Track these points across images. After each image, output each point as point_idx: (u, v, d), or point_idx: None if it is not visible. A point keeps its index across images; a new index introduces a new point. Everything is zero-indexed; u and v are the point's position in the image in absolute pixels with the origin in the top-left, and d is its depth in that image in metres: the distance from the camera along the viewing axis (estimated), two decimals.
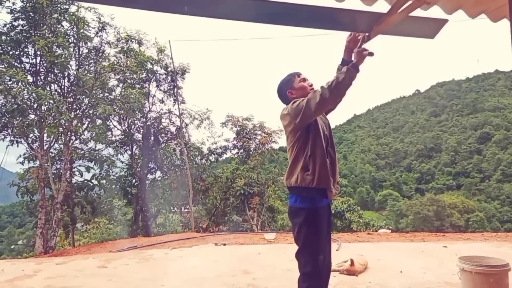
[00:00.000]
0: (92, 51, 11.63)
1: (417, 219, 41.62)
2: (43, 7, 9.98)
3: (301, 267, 2.24)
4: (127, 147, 14.60)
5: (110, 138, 13.65)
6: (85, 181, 13.62)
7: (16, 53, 10.35)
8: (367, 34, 2.47)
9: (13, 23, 10.27)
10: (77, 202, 13.23)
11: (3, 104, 9.69)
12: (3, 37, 10.06)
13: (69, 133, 10.99)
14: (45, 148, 10.71)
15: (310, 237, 2.20)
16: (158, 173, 15.65)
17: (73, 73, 11.01)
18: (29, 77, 10.25)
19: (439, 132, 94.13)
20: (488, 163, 76.37)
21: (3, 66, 9.65)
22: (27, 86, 9.66)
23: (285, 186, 2.54)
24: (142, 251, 6.81)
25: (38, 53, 10.36)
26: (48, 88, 10.74)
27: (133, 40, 13.22)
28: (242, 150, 17.26)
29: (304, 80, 2.44)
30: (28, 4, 10.09)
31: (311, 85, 2.42)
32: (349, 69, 2.13)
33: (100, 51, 11.82)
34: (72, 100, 11.03)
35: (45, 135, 10.82)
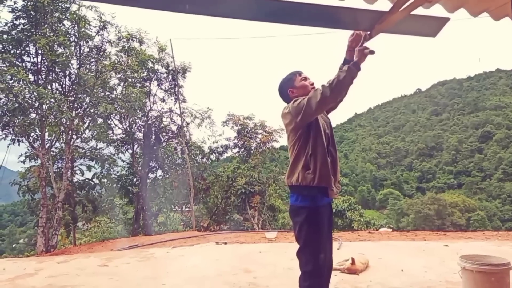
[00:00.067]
0: (93, 50, 11.64)
1: (418, 218, 41.58)
2: (44, 6, 9.98)
3: (302, 266, 2.24)
4: (128, 146, 14.62)
5: (111, 137, 13.66)
6: (86, 180, 13.66)
7: (18, 52, 10.35)
8: (368, 32, 2.47)
9: (14, 21, 10.28)
10: (78, 201, 13.26)
11: (5, 103, 9.70)
12: (5, 36, 10.07)
13: (70, 132, 11.00)
14: (46, 147, 10.72)
15: (311, 236, 2.20)
16: (159, 172, 15.69)
17: (74, 72, 11.01)
18: (30, 76, 10.26)
19: (440, 131, 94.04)
20: (489, 162, 76.30)
21: (4, 65, 9.67)
22: (29, 85, 9.67)
23: (286, 185, 2.54)
24: (143, 250, 6.82)
25: (39, 52, 10.36)
26: (49, 87, 10.74)
27: (134, 38, 13.22)
28: (243, 149, 17.27)
29: (305, 78, 2.43)
30: (29, 3, 10.09)
31: (312, 84, 2.42)
32: (350, 68, 2.13)
33: (101, 50, 11.82)
34: (73, 99, 11.04)
35: (47, 134, 10.84)
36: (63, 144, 11.72)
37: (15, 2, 10.10)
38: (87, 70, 11.22)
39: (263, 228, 15.18)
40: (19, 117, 9.79)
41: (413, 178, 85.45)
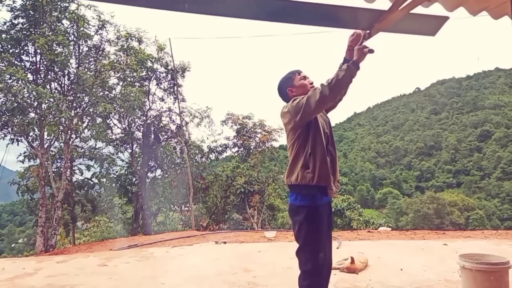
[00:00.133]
0: (92, 49, 11.63)
1: (417, 217, 41.64)
2: (43, 5, 9.97)
3: (301, 265, 2.24)
4: (127, 146, 14.61)
5: (110, 137, 13.67)
6: (86, 180, 13.66)
7: (16, 51, 10.35)
8: (368, 31, 2.46)
9: (13, 21, 10.28)
10: (77, 201, 13.25)
11: (3, 103, 9.69)
12: (3, 35, 10.06)
13: (69, 131, 10.99)
14: (45, 146, 10.71)
15: (311, 235, 2.20)
16: (158, 172, 15.70)
17: (73, 71, 11.00)
18: (29, 75, 10.26)
19: (439, 130, 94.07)
20: (488, 161, 76.37)
21: (3, 65, 9.66)
22: (27, 84, 9.66)
23: (285, 184, 2.54)
24: (142, 249, 6.81)
25: (38, 51, 10.35)
26: (48, 87, 10.73)
27: (133, 38, 13.21)
28: (242, 148, 17.28)
29: (305, 78, 2.43)
30: (28, 2, 10.08)
31: (311, 83, 2.41)
32: (349, 67, 2.12)
33: (100, 49, 11.81)
34: (72, 98, 11.03)
35: (46, 133, 10.83)
36: (62, 144, 11.71)
37: (14, 2, 10.12)
38: (86, 70, 11.22)
39: (263, 227, 15.19)
40: (18, 116, 9.77)
41: (412, 177, 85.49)
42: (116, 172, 14.88)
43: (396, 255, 5.22)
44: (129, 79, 12.90)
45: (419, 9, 2.45)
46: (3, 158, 11.18)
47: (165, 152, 15.01)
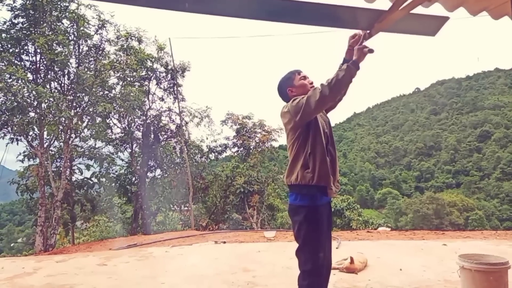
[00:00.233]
0: (92, 49, 11.62)
1: (416, 217, 41.71)
2: (43, 5, 9.97)
3: (301, 265, 2.23)
4: (127, 145, 14.60)
5: (110, 136, 13.66)
6: (85, 179, 13.64)
7: (16, 50, 10.34)
8: (368, 31, 2.46)
9: (13, 20, 10.26)
10: (77, 200, 13.24)
11: (3, 102, 9.69)
12: (3, 35, 10.05)
13: (69, 131, 10.98)
14: (45, 146, 10.70)
15: (310, 235, 2.20)
16: (158, 171, 15.70)
17: (73, 71, 11.00)
18: (29, 74, 10.25)
19: (439, 130, 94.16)
20: (488, 161, 76.45)
21: (3, 64, 9.64)
22: (27, 83, 9.65)
23: (285, 184, 2.54)
24: (142, 249, 6.81)
25: (38, 50, 10.35)
26: (48, 86, 10.73)
27: (133, 37, 13.21)
28: (242, 148, 17.29)
29: (305, 77, 2.43)
30: (28, 2, 10.07)
31: (311, 83, 2.41)
32: (349, 67, 2.12)
33: (100, 49, 11.81)
34: (72, 98, 11.02)
35: (45, 133, 10.82)
36: (61, 143, 11.70)
37: (14, 1, 10.10)
38: (86, 69, 11.21)
39: (262, 227, 15.20)
40: (17, 116, 9.77)
41: (411, 177, 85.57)
42: (116, 171, 14.89)
43: (396, 255, 5.22)
44: (129, 79, 12.89)
45: (419, 9, 2.45)
46: (3, 158, 11.19)
47: (165, 152, 15.01)
